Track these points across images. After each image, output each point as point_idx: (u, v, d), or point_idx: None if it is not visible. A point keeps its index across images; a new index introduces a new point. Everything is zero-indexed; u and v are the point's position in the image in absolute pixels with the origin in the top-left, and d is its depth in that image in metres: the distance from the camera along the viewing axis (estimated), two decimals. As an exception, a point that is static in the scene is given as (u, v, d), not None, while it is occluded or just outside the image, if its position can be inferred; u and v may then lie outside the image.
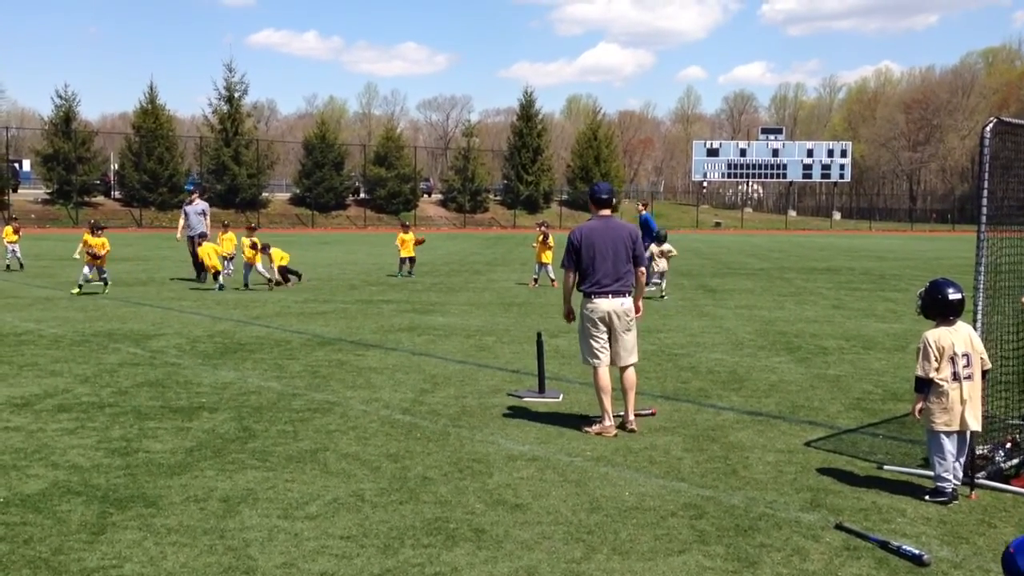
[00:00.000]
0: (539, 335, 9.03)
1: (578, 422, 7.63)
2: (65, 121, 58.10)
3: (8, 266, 22.99)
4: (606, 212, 7.61)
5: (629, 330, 7.50)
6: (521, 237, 52.15)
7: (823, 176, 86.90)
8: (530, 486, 5.92)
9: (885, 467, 6.43)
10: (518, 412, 8.05)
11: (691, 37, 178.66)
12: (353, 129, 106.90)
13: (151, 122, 60.39)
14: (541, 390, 8.71)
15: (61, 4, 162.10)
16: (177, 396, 8.47)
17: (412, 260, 22.69)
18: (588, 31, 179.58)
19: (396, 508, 5.46)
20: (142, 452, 6.58)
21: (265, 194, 65.96)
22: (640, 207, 21.70)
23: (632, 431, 7.33)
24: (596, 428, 7.37)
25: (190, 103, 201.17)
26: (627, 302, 7.47)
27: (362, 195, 70.61)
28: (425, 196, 75.53)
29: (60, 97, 58.48)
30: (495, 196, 77.45)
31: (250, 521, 5.19)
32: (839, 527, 5.19)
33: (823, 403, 8.51)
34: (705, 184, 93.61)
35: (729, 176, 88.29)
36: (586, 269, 7.43)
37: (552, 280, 20.47)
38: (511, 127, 79.90)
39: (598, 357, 7.45)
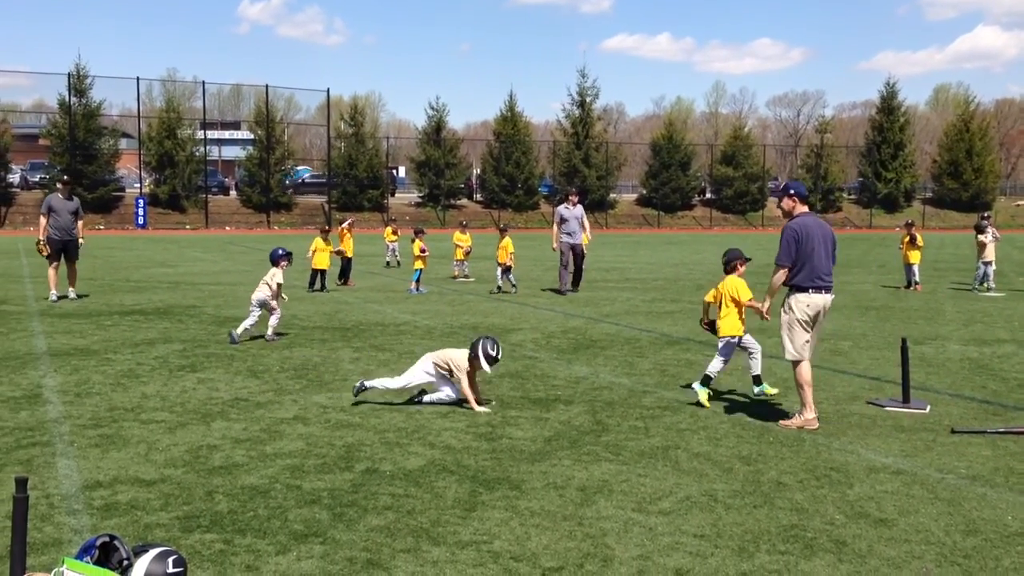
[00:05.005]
0: (903, 341, 8.44)
1: (951, 437, 7.03)
2: (436, 130, 63.50)
3: (388, 263, 25.57)
4: (806, 208, 7.69)
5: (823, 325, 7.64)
6: (878, 238, 49.07)
7: None
8: (895, 501, 5.56)
9: None
10: (879, 421, 7.59)
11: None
12: (700, 129, 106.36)
13: (510, 129, 64.25)
14: (905, 399, 8.14)
15: (439, 24, 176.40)
16: (535, 388, 8.94)
17: None
18: (963, 14, 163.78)
19: (750, 511, 5.37)
20: (505, 438, 7.03)
21: (612, 195, 67.63)
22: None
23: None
24: (798, 421, 7.37)
25: (544, 109, 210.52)
26: (833, 298, 7.61)
27: (708, 195, 70.14)
28: (773, 196, 73.44)
29: (432, 108, 63.98)
30: (849, 195, 73.46)
31: (606, 511, 5.35)
32: None
33: None
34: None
35: None
36: (803, 263, 7.44)
37: (917, 284, 19.04)
38: (869, 121, 75.32)
39: (807, 351, 7.48)
